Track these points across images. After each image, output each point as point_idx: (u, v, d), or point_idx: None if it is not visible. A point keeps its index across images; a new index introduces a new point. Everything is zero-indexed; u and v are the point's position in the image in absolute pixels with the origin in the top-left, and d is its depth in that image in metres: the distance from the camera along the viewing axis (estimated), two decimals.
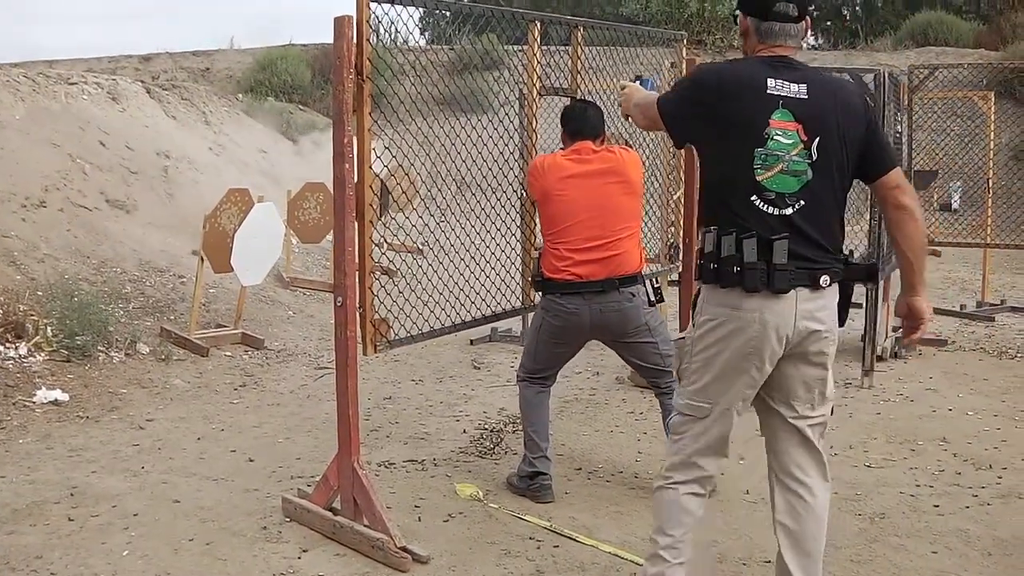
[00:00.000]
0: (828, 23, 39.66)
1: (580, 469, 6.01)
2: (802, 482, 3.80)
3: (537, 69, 5.77)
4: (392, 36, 5.05)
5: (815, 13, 41.14)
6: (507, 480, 5.72)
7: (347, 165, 4.60)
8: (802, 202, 3.62)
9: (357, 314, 4.75)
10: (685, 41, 7.19)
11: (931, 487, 5.77)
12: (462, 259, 5.95)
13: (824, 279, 3.63)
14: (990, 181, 11.34)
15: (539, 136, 5.97)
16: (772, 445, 3.87)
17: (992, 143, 11.51)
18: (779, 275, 3.58)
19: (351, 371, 4.77)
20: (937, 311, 11.19)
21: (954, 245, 11.30)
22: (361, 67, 4.54)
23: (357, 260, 4.70)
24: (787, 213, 3.61)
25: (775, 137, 3.57)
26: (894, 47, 24.14)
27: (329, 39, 4.58)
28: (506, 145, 6.06)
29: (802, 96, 3.59)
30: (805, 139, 3.59)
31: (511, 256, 6.14)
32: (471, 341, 9.48)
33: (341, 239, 4.67)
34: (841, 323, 3.81)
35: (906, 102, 9.39)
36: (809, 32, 3.80)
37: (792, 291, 3.61)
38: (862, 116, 3.71)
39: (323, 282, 11.08)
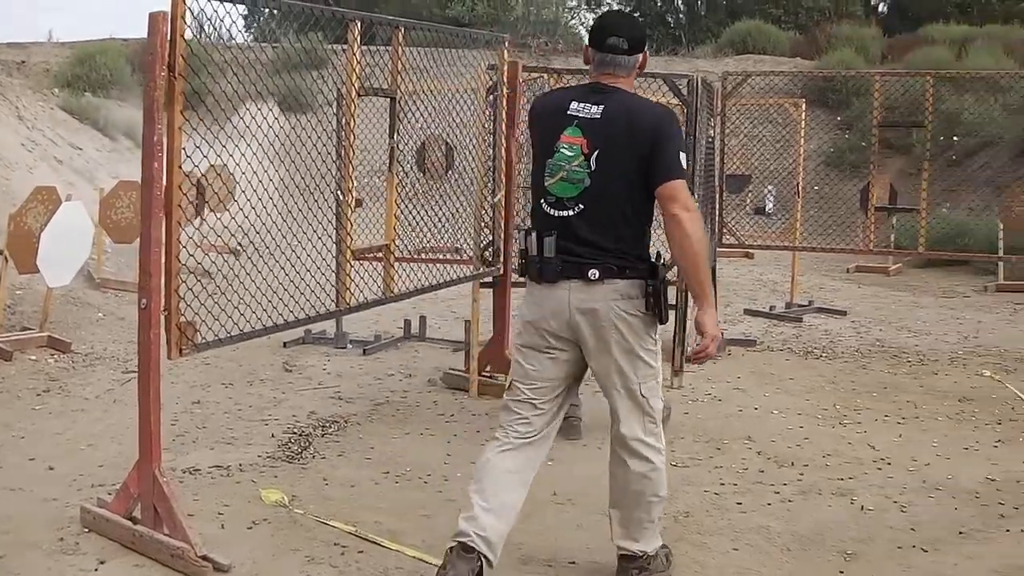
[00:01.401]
0: (652, 30, 40.24)
1: (388, 473, 5.95)
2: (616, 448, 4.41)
3: (357, 69, 5.69)
4: (212, 32, 4.95)
5: (641, 19, 42.01)
6: None
7: (156, 164, 4.48)
8: (581, 206, 4.16)
9: (162, 316, 4.61)
10: (507, 44, 7.20)
11: (735, 485, 5.90)
12: (276, 261, 5.82)
13: (592, 272, 4.13)
14: (799, 186, 11.68)
15: (356, 137, 5.91)
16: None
17: (803, 149, 11.85)
18: (548, 267, 4.19)
19: (153, 375, 4.63)
20: (747, 312, 11.54)
21: (765, 248, 11.60)
22: (174, 64, 4.43)
23: (164, 261, 4.57)
24: (566, 215, 4.18)
25: (560, 150, 4.17)
26: (714, 54, 24.67)
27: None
28: (324, 146, 5.99)
29: (595, 116, 4.13)
30: (586, 152, 4.13)
31: (326, 258, 6.08)
32: (284, 344, 9.30)
33: (148, 239, 4.53)
34: (660, 320, 4.26)
35: (719, 108, 9.58)
36: (637, 61, 4.25)
37: (563, 281, 4.18)
38: (649, 134, 4.10)
39: (134, 283, 10.75)
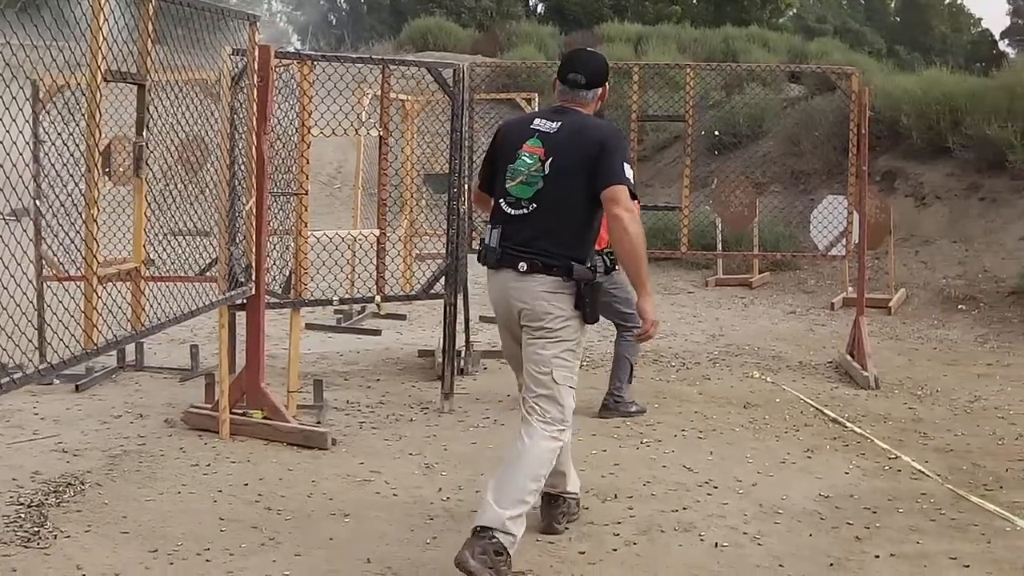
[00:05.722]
0: (316, 29, 39.80)
1: (156, 550, 4.74)
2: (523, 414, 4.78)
3: (103, 47, 4.46)
4: None
5: (302, 17, 41.29)
6: None
7: None
8: (534, 205, 4.68)
9: None
10: (258, 24, 6.12)
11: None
12: None
13: (521, 265, 4.63)
14: None
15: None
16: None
17: None
18: (491, 255, 4.74)
19: None
20: (484, 319, 10.76)
21: None
22: None
23: None
24: (520, 213, 4.70)
25: (522, 157, 4.73)
26: (395, 51, 24.01)
27: None
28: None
29: (552, 130, 4.73)
30: (543, 159, 4.68)
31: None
32: None
33: None
34: (586, 319, 4.69)
35: (468, 100, 8.79)
36: (597, 95, 4.90)
37: (503, 270, 4.71)
38: (597, 145, 4.65)
39: None
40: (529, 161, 4.68)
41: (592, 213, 4.71)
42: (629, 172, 4.65)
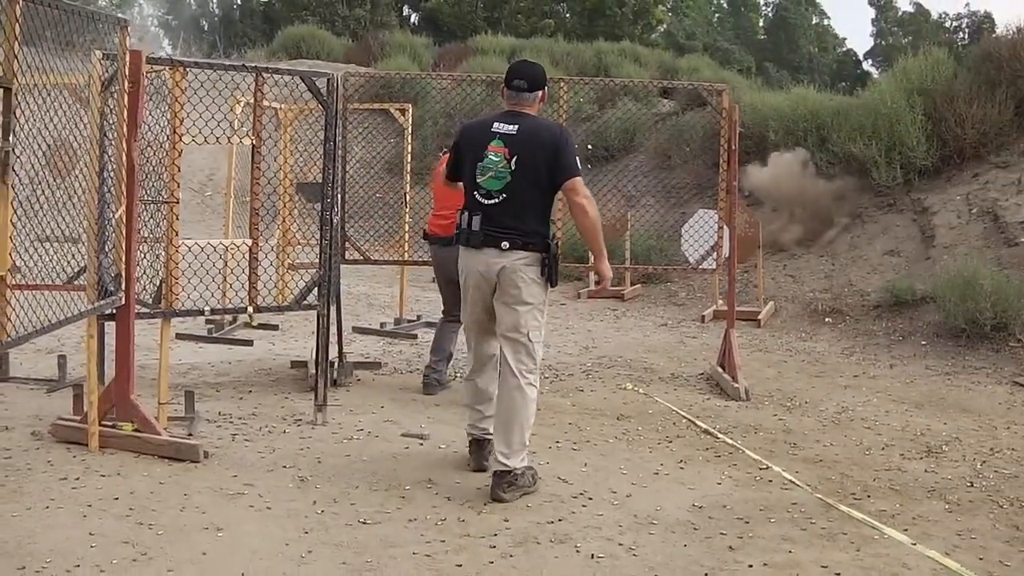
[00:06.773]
0: (186, 34, 39.14)
1: (23, 568, 4.58)
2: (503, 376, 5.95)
3: None
4: None
5: (174, 21, 40.67)
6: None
7: None
8: (504, 195, 5.79)
9: None
10: (129, 28, 5.96)
11: (442, 542, 5.08)
12: None
13: (504, 244, 5.76)
14: (407, 196, 10.99)
15: None
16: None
17: (409, 156, 11.15)
18: (474, 237, 5.83)
19: None
20: (356, 330, 10.73)
21: (398, 264, 10.68)
22: None
23: None
24: (492, 202, 5.81)
25: (489, 156, 5.81)
26: (267, 58, 23.76)
27: None
28: None
29: (512, 132, 5.79)
30: (508, 158, 5.76)
31: None
32: None
33: None
34: (551, 283, 5.91)
35: (341, 110, 8.71)
36: (538, 96, 5.97)
37: (485, 248, 5.80)
38: (551, 145, 5.77)
39: None
40: (496, 159, 5.78)
41: (550, 198, 5.93)
42: (579, 163, 5.82)
